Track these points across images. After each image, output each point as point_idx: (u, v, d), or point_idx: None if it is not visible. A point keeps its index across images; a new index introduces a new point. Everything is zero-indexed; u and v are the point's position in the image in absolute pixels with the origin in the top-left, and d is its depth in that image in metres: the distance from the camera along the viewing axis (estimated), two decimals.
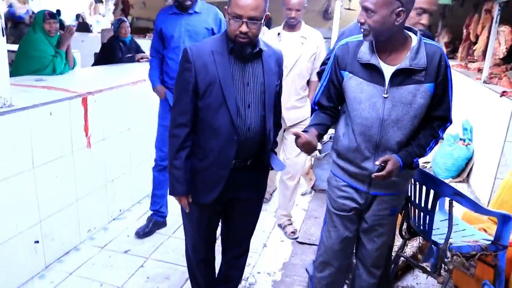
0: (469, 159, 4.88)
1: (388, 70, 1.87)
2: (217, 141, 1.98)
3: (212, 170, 2.03)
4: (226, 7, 1.92)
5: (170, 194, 2.13)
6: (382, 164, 1.88)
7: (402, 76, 1.85)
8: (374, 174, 1.90)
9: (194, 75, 1.92)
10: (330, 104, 2.11)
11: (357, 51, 1.93)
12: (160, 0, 10.73)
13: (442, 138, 2.14)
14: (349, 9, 9.38)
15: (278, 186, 3.76)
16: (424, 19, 2.20)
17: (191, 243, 2.29)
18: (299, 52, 3.28)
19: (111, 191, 3.52)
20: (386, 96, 1.86)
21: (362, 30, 1.85)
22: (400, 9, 1.75)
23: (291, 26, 3.33)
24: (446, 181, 4.84)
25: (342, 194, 2.10)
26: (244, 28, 1.86)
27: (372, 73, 1.89)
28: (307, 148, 1.98)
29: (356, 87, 1.93)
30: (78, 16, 12.84)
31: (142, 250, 3.21)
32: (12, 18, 9.65)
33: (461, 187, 4.72)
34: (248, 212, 2.26)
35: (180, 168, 2.02)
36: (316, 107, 2.17)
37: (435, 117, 1.97)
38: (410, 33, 1.91)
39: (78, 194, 3.15)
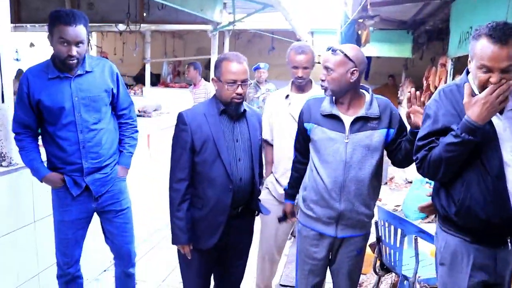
0: None
1: (347, 119, 2.22)
2: (214, 191, 2.27)
3: (211, 217, 2.30)
4: (215, 77, 2.27)
5: (173, 243, 2.34)
6: None
7: (360, 124, 2.21)
8: None
9: (191, 135, 2.22)
10: (303, 149, 2.42)
11: (319, 106, 2.28)
12: (137, 58, 11.20)
13: None
14: (318, 62, 9.99)
15: None
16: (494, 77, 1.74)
17: None
18: None
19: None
20: (347, 141, 2.19)
21: (321, 86, 2.25)
22: (354, 68, 2.16)
23: (299, 87, 2.91)
24: (416, 222, 5.17)
25: (313, 243, 2.34)
26: (240, 90, 2.22)
27: (334, 122, 2.23)
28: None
29: (320, 134, 2.25)
30: None
31: None
32: None
33: (431, 227, 5.03)
34: (240, 256, 2.53)
35: (182, 219, 2.27)
36: (294, 151, 2.50)
37: None
38: (363, 91, 2.30)
39: None
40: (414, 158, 1.98)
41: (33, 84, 2.39)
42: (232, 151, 2.29)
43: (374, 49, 7.79)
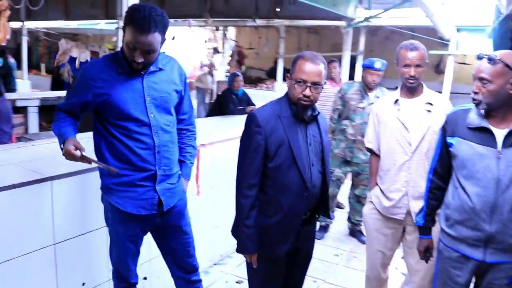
0: None
1: (499, 133, 1.96)
2: (288, 198, 2.16)
3: (283, 225, 2.20)
4: (288, 74, 2.17)
5: (239, 252, 2.26)
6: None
7: None
8: None
9: (265, 138, 2.10)
10: (445, 172, 2.19)
11: (465, 117, 2.05)
12: (272, 52, 11.37)
13: None
14: (463, 63, 9.10)
15: None
16: None
17: None
18: (426, 124, 2.54)
19: (214, 236, 3.74)
20: (499, 156, 1.94)
21: (473, 99, 1.98)
22: None
23: (410, 89, 2.59)
24: None
25: (456, 265, 2.12)
26: (307, 92, 2.09)
27: (483, 136, 1.99)
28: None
29: (468, 150, 2.02)
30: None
31: None
32: None
33: None
34: (306, 260, 2.47)
35: (252, 227, 2.17)
36: (431, 175, 2.27)
37: None
38: None
39: None
40: None
41: (100, 77, 2.11)
42: (306, 155, 2.18)
43: None
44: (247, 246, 2.20)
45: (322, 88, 2.15)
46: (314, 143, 2.23)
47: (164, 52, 2.27)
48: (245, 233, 2.18)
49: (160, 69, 2.22)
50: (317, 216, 2.42)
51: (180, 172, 2.41)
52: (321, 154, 2.27)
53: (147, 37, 1.99)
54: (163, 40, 2.09)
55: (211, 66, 7.70)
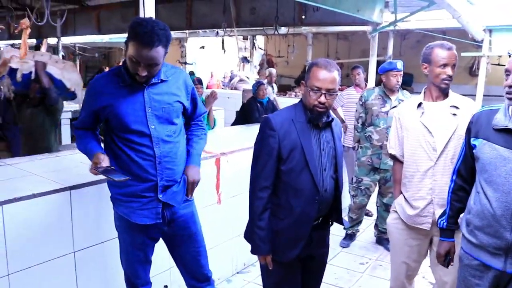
0: None
1: None
2: (299, 201, 2.18)
3: (294, 228, 2.21)
4: (303, 81, 2.20)
5: (253, 253, 2.28)
6: None
7: None
8: None
9: (278, 141, 2.13)
10: (468, 174, 2.11)
11: (491, 118, 1.95)
12: (302, 58, 11.34)
13: None
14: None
15: None
16: None
17: None
18: (451, 128, 2.44)
19: (237, 245, 3.74)
20: None
21: (506, 93, 1.89)
22: None
23: (444, 90, 2.51)
24: None
25: (475, 273, 2.02)
26: (322, 99, 2.10)
27: (508, 138, 1.88)
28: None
29: (490, 153, 1.92)
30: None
31: None
32: None
33: None
34: (320, 267, 2.47)
35: (264, 229, 2.19)
36: (455, 177, 2.19)
37: None
38: None
39: (207, 245, 3.41)
40: None
41: (104, 89, 2.18)
42: (319, 160, 2.20)
43: None
44: (260, 248, 2.22)
45: (337, 94, 2.18)
46: (328, 148, 2.24)
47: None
48: (258, 234, 2.21)
49: (163, 81, 2.22)
50: (330, 222, 2.40)
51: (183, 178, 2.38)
52: (334, 159, 2.27)
53: (150, 51, 2.02)
54: (165, 52, 2.12)
55: (272, 76, 7.55)
